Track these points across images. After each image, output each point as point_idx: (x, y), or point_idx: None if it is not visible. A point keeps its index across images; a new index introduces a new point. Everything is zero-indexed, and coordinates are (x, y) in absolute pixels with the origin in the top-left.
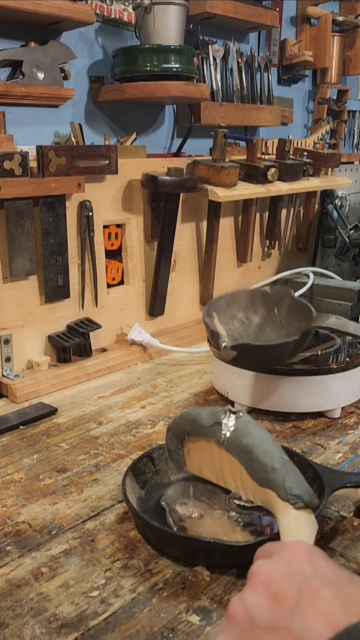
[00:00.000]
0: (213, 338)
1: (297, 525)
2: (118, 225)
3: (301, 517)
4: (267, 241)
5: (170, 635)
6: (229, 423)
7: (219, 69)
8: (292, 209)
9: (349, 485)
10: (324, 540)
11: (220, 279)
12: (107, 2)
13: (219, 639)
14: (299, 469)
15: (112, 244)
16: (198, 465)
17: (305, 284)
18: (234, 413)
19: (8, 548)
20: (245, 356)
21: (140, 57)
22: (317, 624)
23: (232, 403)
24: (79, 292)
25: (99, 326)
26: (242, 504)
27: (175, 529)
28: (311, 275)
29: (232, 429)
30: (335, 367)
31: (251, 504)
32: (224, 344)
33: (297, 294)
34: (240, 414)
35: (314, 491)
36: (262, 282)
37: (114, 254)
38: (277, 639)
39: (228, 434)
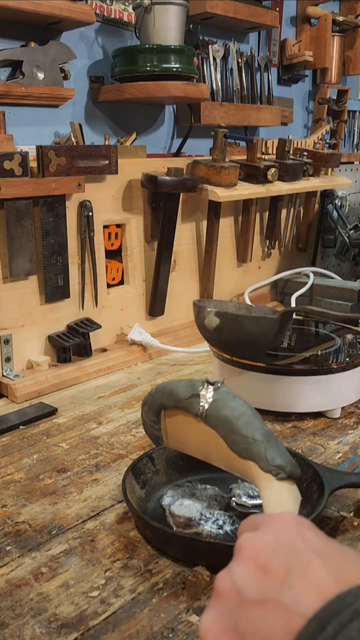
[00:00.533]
0: (199, 312)
1: (280, 496)
2: (118, 225)
3: (284, 488)
4: (267, 241)
5: (170, 635)
6: (207, 395)
7: (219, 69)
8: (292, 209)
9: (349, 485)
10: None
11: (220, 279)
12: (107, 2)
13: (205, 616)
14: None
15: (112, 244)
16: (176, 439)
17: (305, 284)
18: (212, 384)
19: (8, 548)
20: (228, 329)
21: (140, 57)
22: (308, 595)
23: None
24: (79, 292)
25: (99, 326)
26: (241, 503)
27: (175, 529)
28: (311, 275)
29: (210, 400)
30: (335, 367)
31: (252, 504)
32: (208, 309)
33: (297, 294)
34: (219, 384)
35: (314, 491)
36: (262, 282)
37: (114, 254)
38: (268, 613)
39: (207, 406)
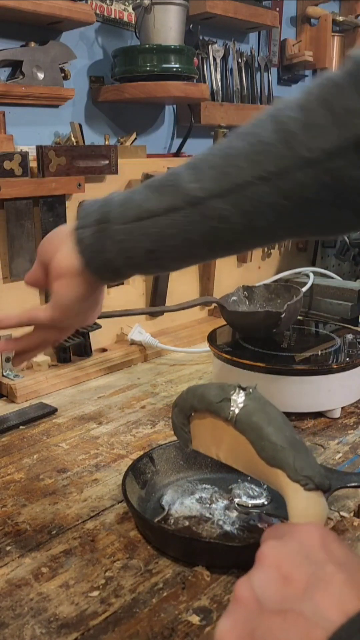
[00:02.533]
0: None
1: (307, 507)
2: None
3: (311, 499)
4: None
5: (171, 635)
6: (239, 399)
7: (219, 69)
8: None
9: (349, 485)
10: None
11: (220, 279)
12: (107, 2)
13: (223, 621)
14: None
15: None
16: (204, 443)
17: (305, 284)
18: (244, 389)
19: (8, 548)
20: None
21: (140, 57)
22: (330, 608)
23: None
24: None
25: (99, 326)
26: (242, 503)
27: (174, 528)
28: (311, 275)
29: (241, 405)
30: (335, 367)
31: (252, 504)
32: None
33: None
34: (251, 390)
35: None
36: (262, 282)
37: None
38: (287, 623)
39: (237, 411)
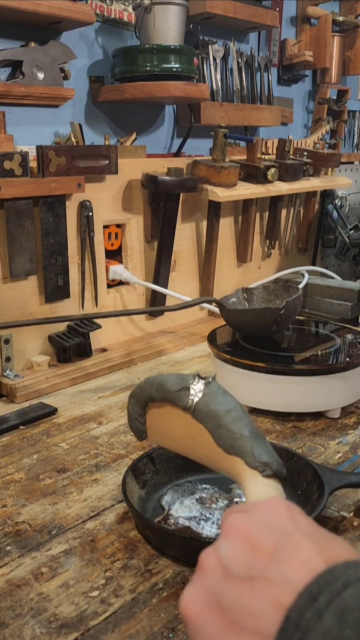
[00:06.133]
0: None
1: (264, 493)
2: (118, 225)
3: (269, 485)
4: (267, 241)
5: (170, 635)
6: (197, 388)
7: (219, 69)
8: (292, 209)
9: (349, 485)
10: None
11: (220, 279)
12: (107, 2)
13: (187, 590)
14: (298, 469)
15: (112, 244)
16: (160, 433)
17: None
18: (203, 378)
19: (8, 548)
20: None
21: (140, 57)
22: (297, 572)
23: None
24: (79, 292)
25: (99, 326)
26: (242, 503)
27: (174, 528)
28: (306, 274)
29: (200, 394)
30: (335, 367)
31: None
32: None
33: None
34: (210, 379)
35: (314, 491)
36: (262, 281)
37: (114, 254)
38: (255, 589)
39: (196, 400)
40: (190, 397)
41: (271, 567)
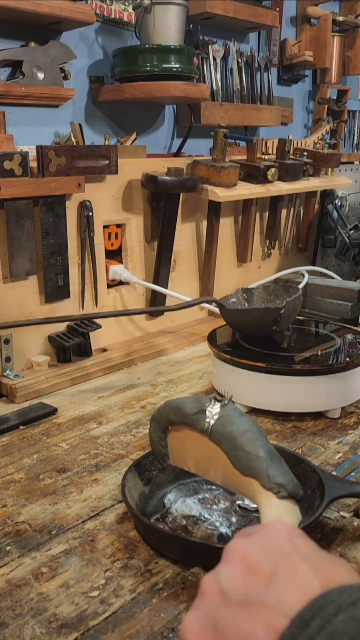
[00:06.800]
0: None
1: (279, 514)
2: (118, 225)
3: (284, 506)
4: (267, 241)
5: (170, 635)
6: (214, 411)
7: (219, 69)
8: (292, 209)
9: (351, 495)
10: (324, 540)
11: (220, 279)
12: (107, 2)
13: (187, 615)
14: (304, 475)
15: (112, 244)
16: (180, 456)
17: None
18: (219, 401)
19: (8, 548)
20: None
21: (140, 57)
22: (292, 596)
23: None
24: (79, 292)
25: (99, 326)
26: (244, 506)
27: (173, 527)
28: (306, 274)
29: (216, 417)
30: (335, 367)
31: (254, 507)
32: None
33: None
34: (226, 401)
35: (316, 498)
36: (262, 281)
37: (114, 254)
38: (250, 613)
39: (212, 422)
40: (207, 420)
41: (267, 591)
